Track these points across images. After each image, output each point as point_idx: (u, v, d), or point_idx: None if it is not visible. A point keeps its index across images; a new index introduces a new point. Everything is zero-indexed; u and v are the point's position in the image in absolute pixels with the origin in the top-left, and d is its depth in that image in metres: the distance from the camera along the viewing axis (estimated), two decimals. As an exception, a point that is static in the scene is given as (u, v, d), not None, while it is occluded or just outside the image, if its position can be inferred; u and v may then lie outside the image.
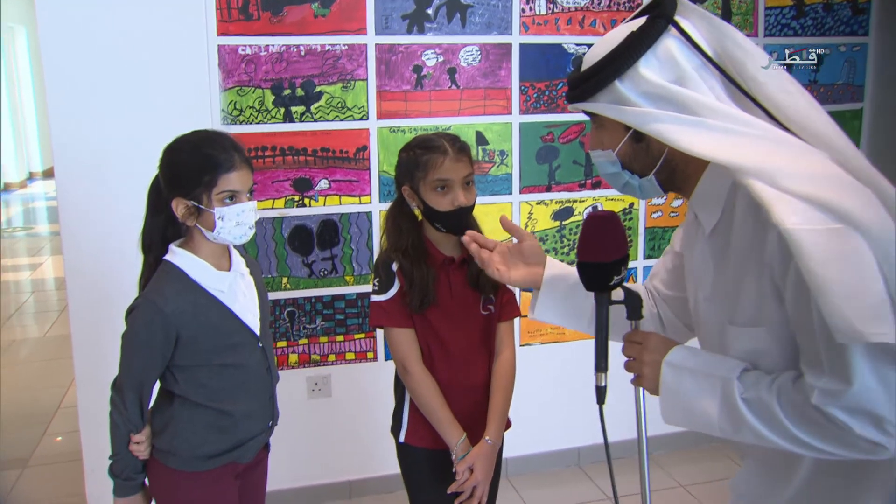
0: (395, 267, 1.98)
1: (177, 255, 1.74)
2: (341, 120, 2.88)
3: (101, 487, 2.66)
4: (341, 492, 3.14)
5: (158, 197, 1.75)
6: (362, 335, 3.06)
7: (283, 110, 2.82)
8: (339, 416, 3.10)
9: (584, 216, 1.48)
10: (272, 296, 2.93)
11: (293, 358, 3.01)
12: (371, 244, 2.99)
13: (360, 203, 2.96)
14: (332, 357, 3.05)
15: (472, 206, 1.93)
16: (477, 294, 2.00)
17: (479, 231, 1.81)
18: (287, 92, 2.81)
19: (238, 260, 1.84)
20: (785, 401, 1.10)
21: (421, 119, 2.97)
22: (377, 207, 2.96)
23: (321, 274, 2.97)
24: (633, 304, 1.29)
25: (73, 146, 2.62)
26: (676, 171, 1.23)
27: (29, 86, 12.51)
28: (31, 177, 12.69)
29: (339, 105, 2.87)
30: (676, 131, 1.13)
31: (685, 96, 1.14)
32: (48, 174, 12.28)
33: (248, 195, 1.73)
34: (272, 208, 2.88)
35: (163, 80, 2.67)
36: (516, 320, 2.14)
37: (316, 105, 2.85)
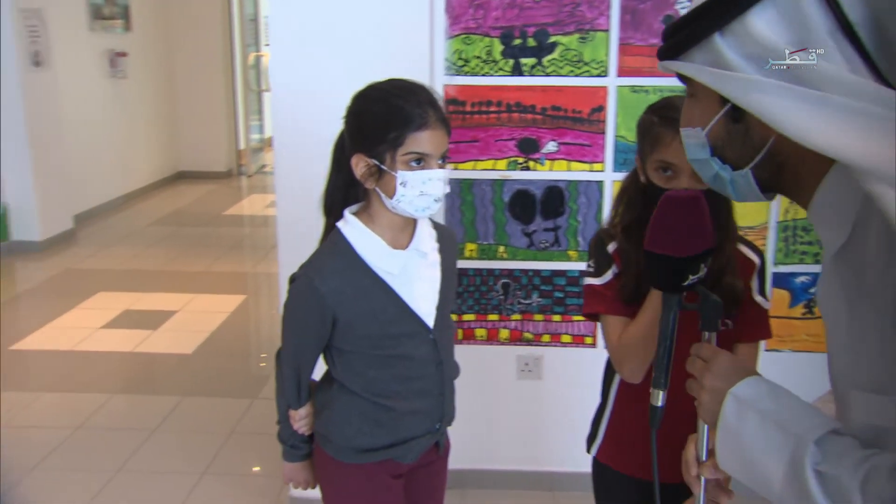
0: (611, 248, 1.66)
1: (348, 225, 1.55)
2: (576, 75, 2.54)
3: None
4: (541, 483, 2.90)
5: (342, 152, 1.56)
6: (581, 318, 2.75)
7: (511, 62, 2.55)
8: (547, 402, 2.84)
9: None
10: (486, 265, 2.71)
11: (504, 333, 2.79)
12: (601, 217, 2.65)
13: (591, 170, 2.62)
14: (546, 337, 2.78)
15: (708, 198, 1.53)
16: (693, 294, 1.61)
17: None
18: (517, 42, 2.53)
19: (423, 235, 1.59)
20: (872, 491, 0.79)
21: (669, 79, 2.52)
22: (610, 177, 2.60)
23: (542, 246, 2.70)
24: (710, 312, 1.01)
25: (289, 92, 2.54)
26: (785, 169, 0.90)
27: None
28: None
29: (575, 58, 2.53)
30: (786, 109, 0.80)
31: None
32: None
33: (439, 161, 1.48)
34: (493, 169, 2.64)
35: (379, 24, 2.49)
36: (762, 343, 1.68)
37: (548, 57, 2.54)
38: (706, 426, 1.04)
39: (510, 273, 2.73)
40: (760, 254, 1.65)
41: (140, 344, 4.30)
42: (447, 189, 1.50)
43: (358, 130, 1.51)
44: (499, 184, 2.65)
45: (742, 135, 0.91)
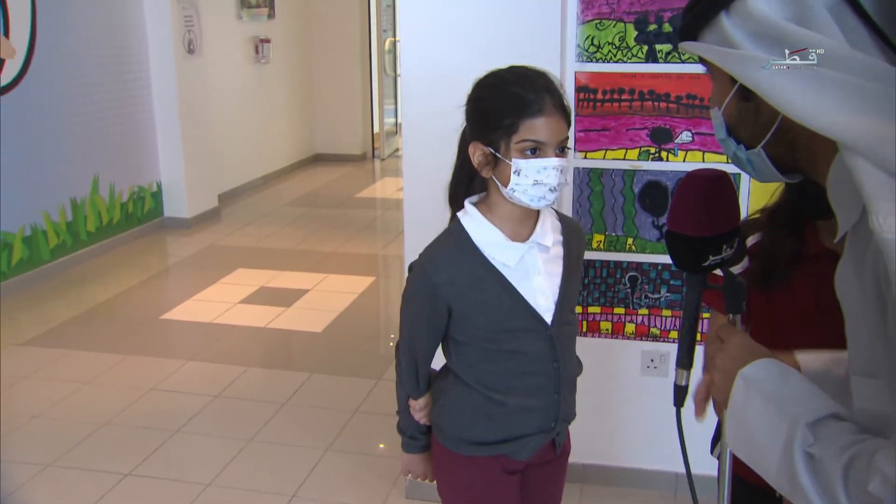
0: (751, 241, 1.58)
1: (468, 215, 1.54)
2: (715, 61, 2.42)
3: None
4: (663, 483, 2.81)
5: (465, 140, 1.56)
6: (708, 315, 2.63)
7: (646, 48, 2.45)
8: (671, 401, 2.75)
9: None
10: (614, 257, 2.64)
11: (629, 328, 2.71)
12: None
13: (727, 162, 2.48)
14: (673, 334, 2.69)
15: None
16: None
17: None
18: (653, 27, 2.43)
19: (546, 227, 1.55)
20: (853, 476, 0.78)
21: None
22: (748, 169, 2.47)
23: (671, 239, 2.60)
24: (734, 293, 1.00)
25: (418, 77, 2.55)
26: (797, 147, 0.90)
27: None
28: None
29: (716, 43, 2.41)
30: (782, 85, 0.81)
31: (802, 38, 0.81)
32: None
33: (557, 150, 1.44)
34: (624, 159, 2.56)
35: (509, 8, 2.45)
36: None
37: (686, 43, 2.43)
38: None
39: (638, 266, 2.65)
40: None
41: (274, 320, 4.51)
42: (565, 179, 1.46)
43: (475, 117, 1.50)
44: (629, 174, 2.57)
45: (752, 113, 0.91)
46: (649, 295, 2.67)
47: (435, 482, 1.71)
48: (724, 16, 0.88)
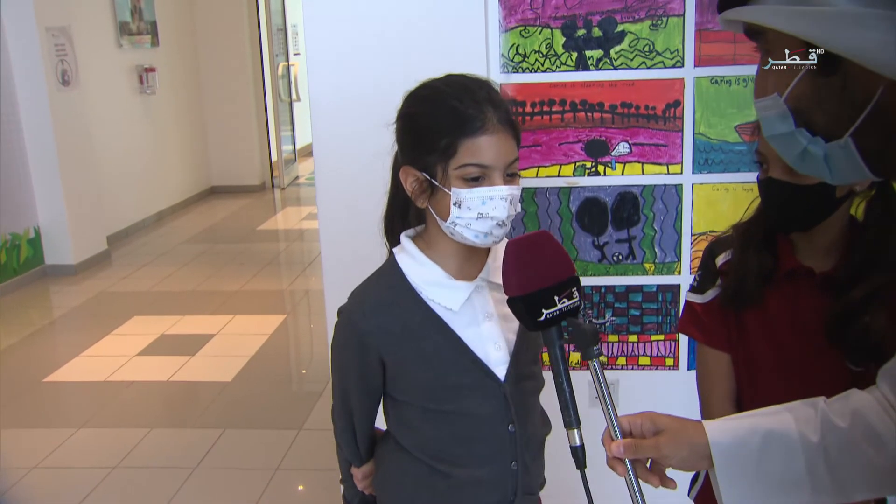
0: (721, 260, 1.45)
1: (403, 251, 1.29)
2: (648, 67, 2.26)
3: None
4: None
5: (397, 164, 1.30)
6: (661, 336, 2.47)
7: (575, 55, 2.27)
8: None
9: None
10: (553, 282, 2.44)
11: (574, 357, 2.51)
12: (680, 225, 2.36)
13: (668, 173, 2.33)
14: (621, 360, 2.51)
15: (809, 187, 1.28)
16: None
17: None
18: (581, 32, 2.25)
19: (497, 264, 1.28)
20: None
21: (752, 66, 2.24)
22: (690, 180, 2.32)
23: (615, 259, 2.42)
24: (580, 340, 1.00)
25: (328, 91, 2.30)
26: (895, 136, 0.70)
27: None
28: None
29: (647, 49, 2.25)
30: (892, 45, 0.61)
31: None
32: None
33: (506, 175, 1.20)
34: (559, 176, 2.36)
35: (430, 19, 2.23)
36: None
37: (616, 49, 2.26)
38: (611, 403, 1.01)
39: (580, 290, 2.45)
40: None
41: (177, 371, 4.10)
42: (516, 210, 1.22)
43: (405, 138, 1.25)
44: (565, 192, 2.37)
45: (837, 91, 0.72)
46: (594, 320, 2.48)
47: None
48: None
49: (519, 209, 1.26)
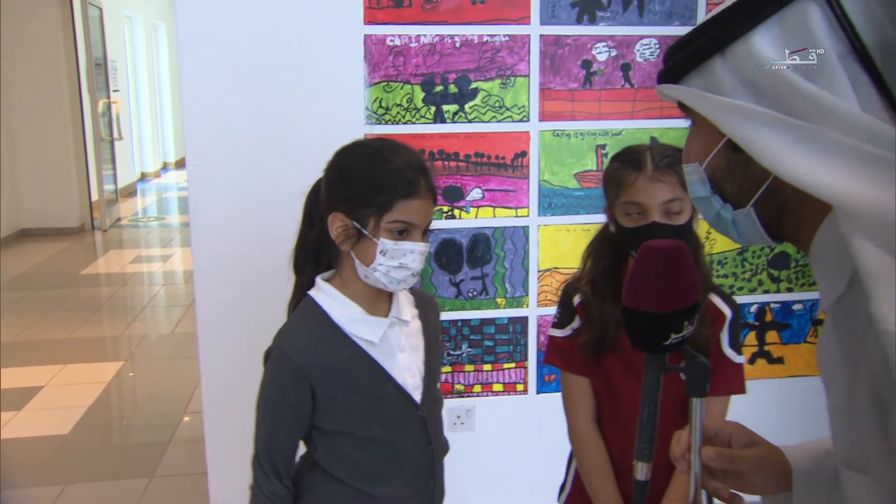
0: (577, 300, 1.65)
1: (322, 292, 1.42)
2: (499, 121, 2.52)
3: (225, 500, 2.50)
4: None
5: (315, 206, 1.44)
6: (512, 365, 2.70)
7: (433, 109, 2.49)
8: (481, 454, 2.76)
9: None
10: (414, 317, 2.61)
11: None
12: (528, 263, 2.62)
13: (517, 216, 2.59)
14: (477, 388, 2.71)
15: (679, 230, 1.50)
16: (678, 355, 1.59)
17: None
18: (439, 88, 2.48)
19: (402, 301, 1.47)
20: None
21: (589, 122, 2.57)
22: (536, 222, 2.59)
23: (470, 295, 2.63)
24: (696, 374, 0.91)
25: (205, 140, 2.35)
26: (786, 209, 0.81)
27: (167, 78, 12.94)
28: (164, 166, 13.09)
29: (497, 104, 2.51)
30: (776, 144, 0.73)
31: (808, 93, 0.71)
32: (180, 164, 12.61)
33: (423, 234, 1.38)
34: (417, 220, 2.55)
35: (303, 74, 2.37)
36: (733, 398, 1.63)
37: (470, 104, 2.50)
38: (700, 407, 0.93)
39: (438, 324, 2.64)
40: (734, 306, 1.63)
41: (5, 427, 3.83)
42: (422, 265, 1.40)
43: (340, 187, 1.39)
44: (424, 233, 2.56)
45: (741, 167, 0.81)
46: (451, 352, 2.67)
47: None
48: (718, 59, 0.78)
49: (422, 265, 1.42)
